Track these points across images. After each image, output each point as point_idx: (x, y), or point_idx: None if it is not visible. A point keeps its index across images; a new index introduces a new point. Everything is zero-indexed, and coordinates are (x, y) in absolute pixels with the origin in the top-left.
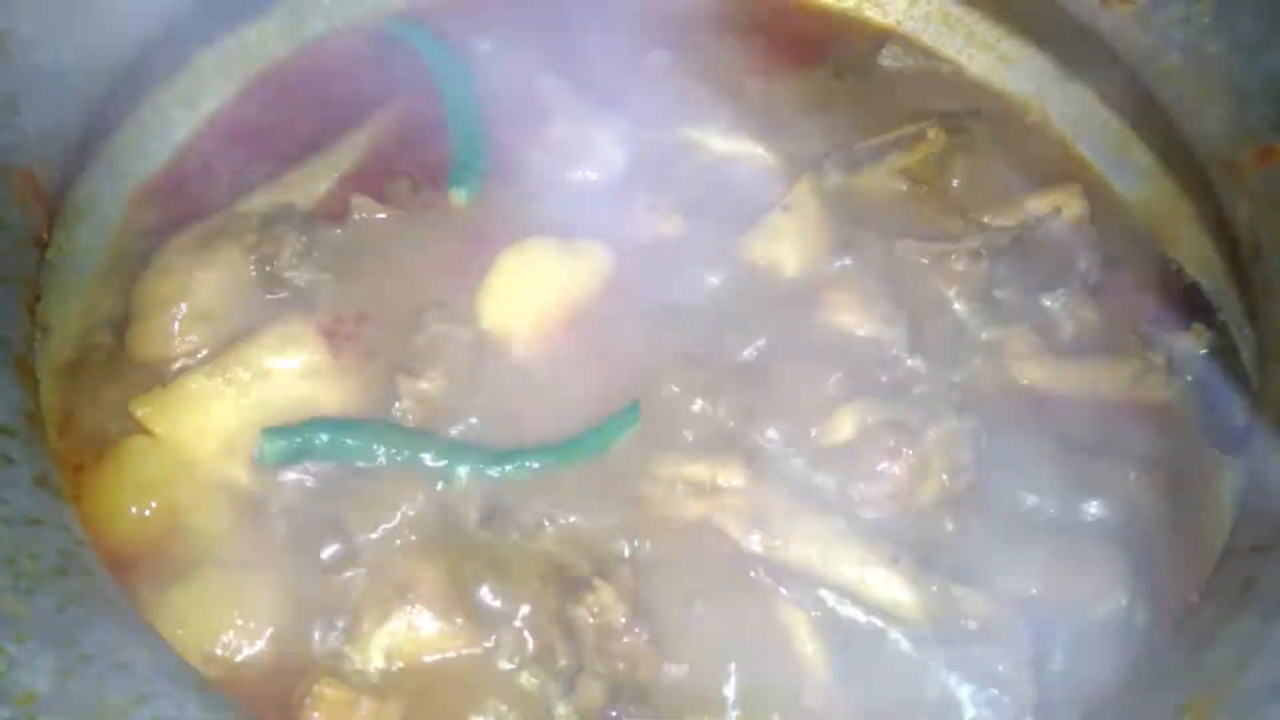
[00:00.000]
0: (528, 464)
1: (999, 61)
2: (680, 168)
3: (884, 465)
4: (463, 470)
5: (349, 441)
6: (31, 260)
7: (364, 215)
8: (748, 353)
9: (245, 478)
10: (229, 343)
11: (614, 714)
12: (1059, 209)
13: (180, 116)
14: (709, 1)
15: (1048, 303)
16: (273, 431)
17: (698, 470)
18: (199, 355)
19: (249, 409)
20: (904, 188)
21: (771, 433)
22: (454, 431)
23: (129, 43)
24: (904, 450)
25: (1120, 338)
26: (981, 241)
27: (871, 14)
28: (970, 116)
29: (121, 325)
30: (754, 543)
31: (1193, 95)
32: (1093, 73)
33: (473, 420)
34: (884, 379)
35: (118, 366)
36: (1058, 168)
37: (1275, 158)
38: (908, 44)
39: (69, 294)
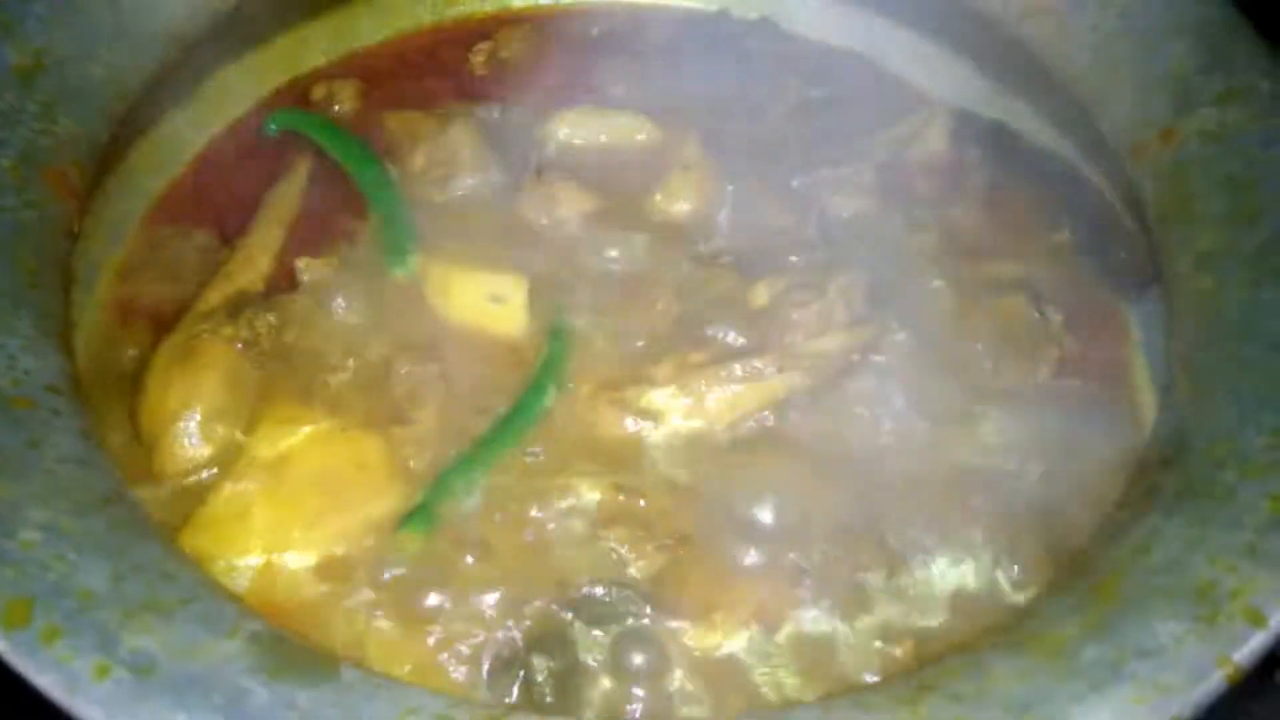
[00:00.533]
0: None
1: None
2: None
3: (796, 316)
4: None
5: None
6: (66, 247)
7: (312, 276)
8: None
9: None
10: (246, 433)
11: None
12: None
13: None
14: None
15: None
16: (410, 522)
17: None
18: (226, 457)
19: (287, 496)
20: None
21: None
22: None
23: (151, 61)
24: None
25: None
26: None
27: None
28: None
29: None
30: None
31: (1104, 88)
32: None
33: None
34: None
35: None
36: None
37: (1175, 137)
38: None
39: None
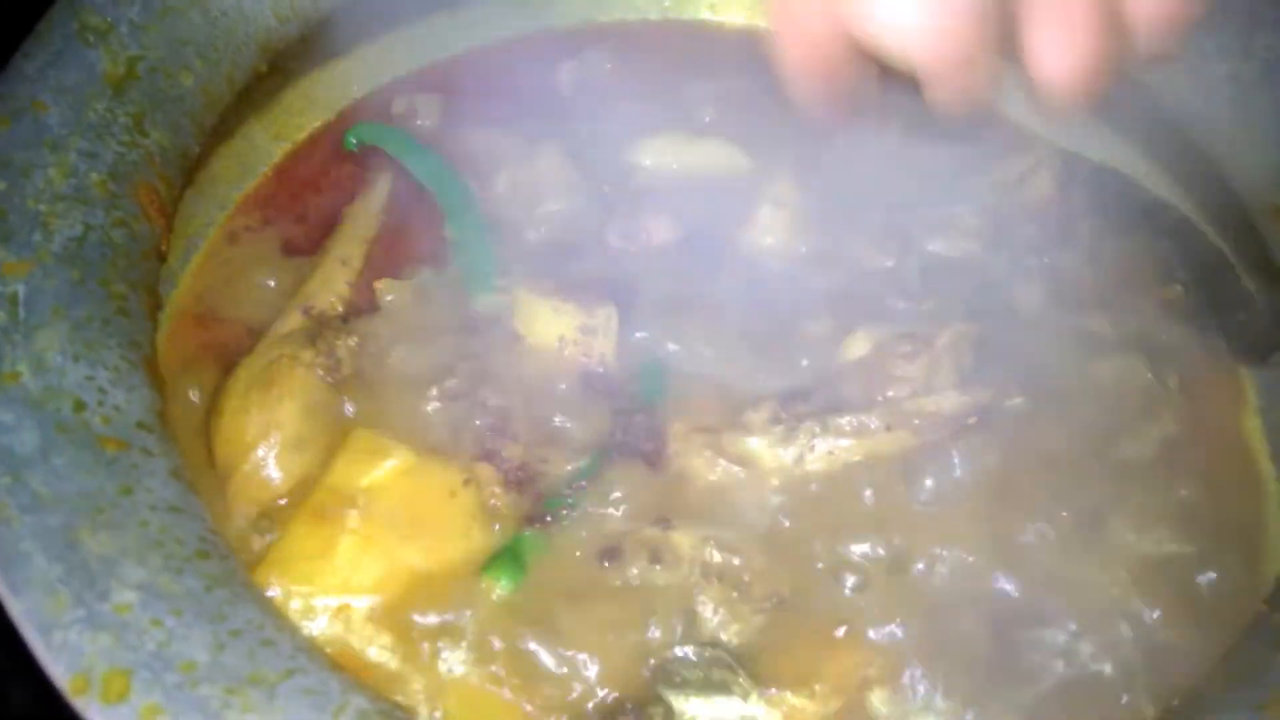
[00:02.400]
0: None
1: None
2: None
3: (900, 370)
4: None
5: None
6: (154, 270)
7: (393, 299)
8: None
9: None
10: (324, 464)
11: None
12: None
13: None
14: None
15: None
16: (496, 566)
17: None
18: (304, 488)
19: (368, 533)
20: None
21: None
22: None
23: (242, 70)
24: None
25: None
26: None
27: None
28: None
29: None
30: None
31: (1241, 146)
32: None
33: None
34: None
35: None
36: None
37: None
38: None
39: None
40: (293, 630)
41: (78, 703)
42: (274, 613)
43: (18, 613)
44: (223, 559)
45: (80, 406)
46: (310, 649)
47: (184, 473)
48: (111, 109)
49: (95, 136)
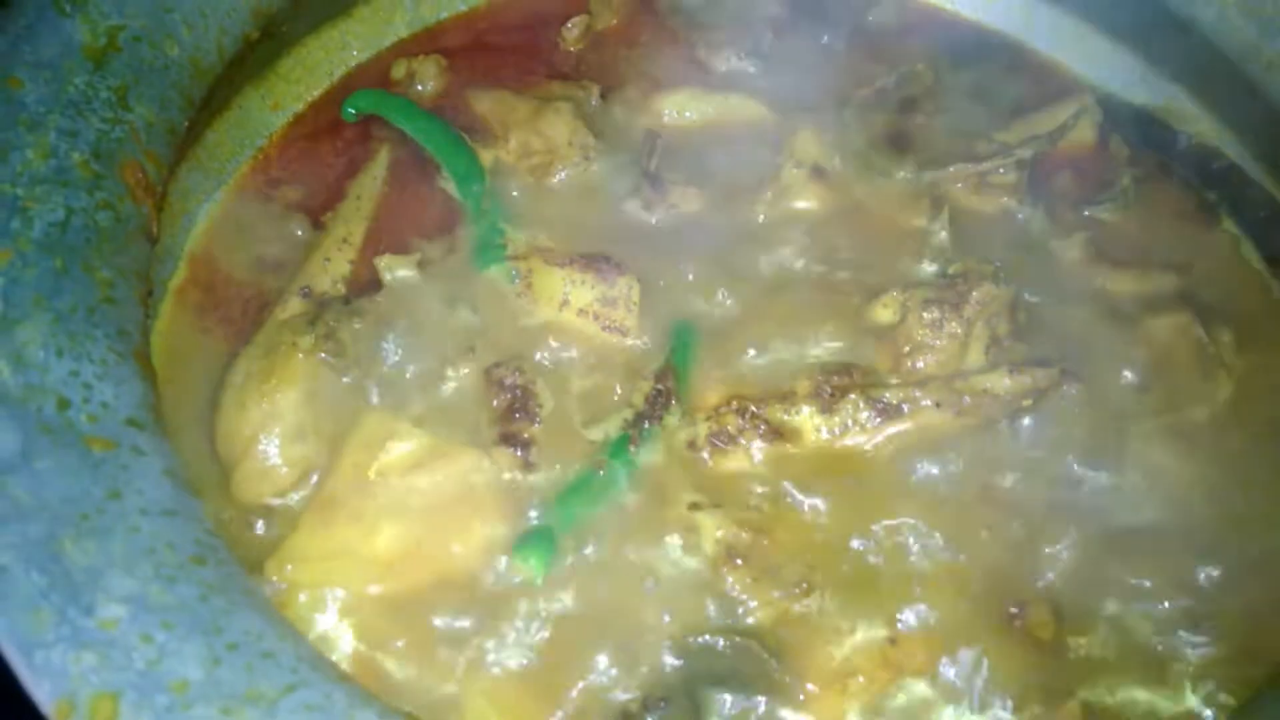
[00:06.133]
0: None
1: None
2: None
3: (928, 335)
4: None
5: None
6: (144, 254)
7: (396, 276)
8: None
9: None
10: (332, 452)
11: None
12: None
13: (266, 118)
14: None
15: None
16: (526, 547)
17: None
18: (311, 478)
19: (380, 523)
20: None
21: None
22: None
23: (231, 38)
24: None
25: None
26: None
27: None
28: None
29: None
30: None
31: None
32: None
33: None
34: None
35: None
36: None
37: None
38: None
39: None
40: (295, 639)
41: None
42: (276, 620)
43: None
44: (221, 563)
45: (64, 404)
46: (314, 659)
47: (179, 471)
48: (92, 83)
49: (75, 113)
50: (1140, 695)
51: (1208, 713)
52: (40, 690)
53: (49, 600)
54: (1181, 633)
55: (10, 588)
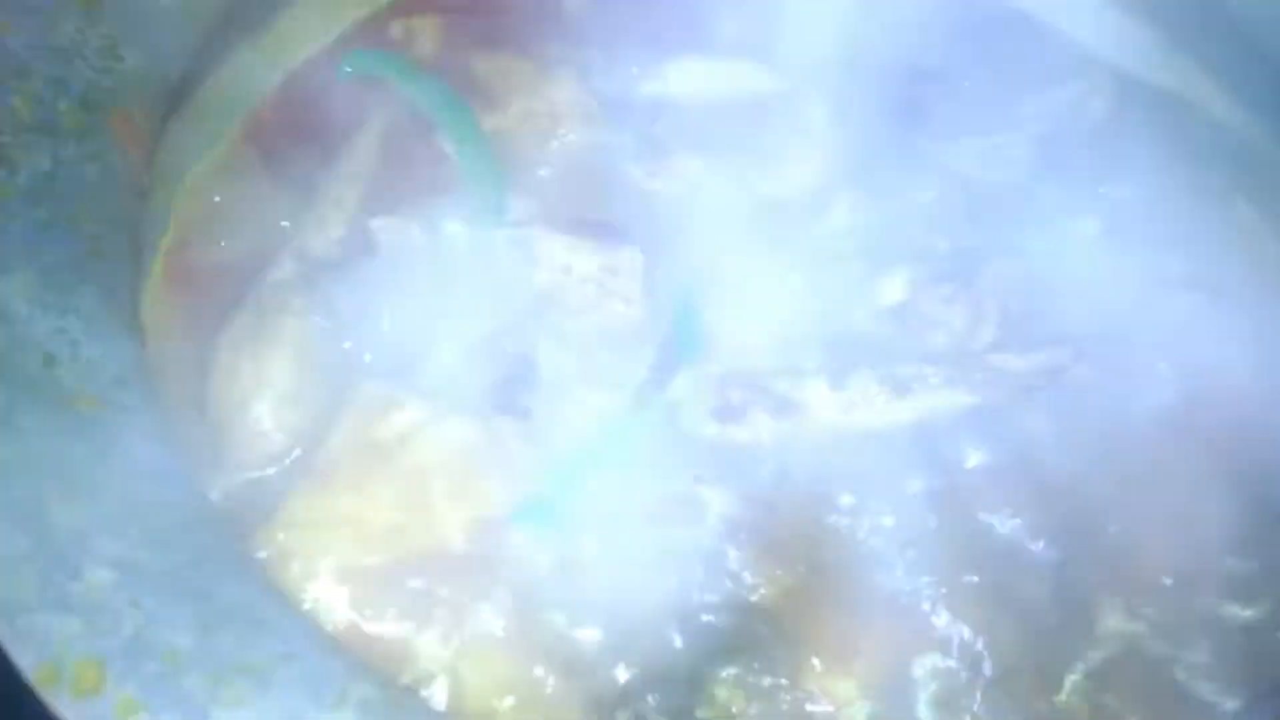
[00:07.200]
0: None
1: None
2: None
3: (936, 311)
4: None
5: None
6: (134, 208)
7: (390, 239)
8: None
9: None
10: (327, 418)
11: None
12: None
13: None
14: None
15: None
16: (528, 516)
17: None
18: (304, 444)
19: (377, 492)
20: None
21: None
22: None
23: None
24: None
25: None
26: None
27: None
28: None
29: None
30: None
31: None
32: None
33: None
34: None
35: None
36: None
37: None
38: None
39: None
40: (289, 607)
41: (46, 695)
42: (269, 587)
43: None
44: (212, 529)
45: (49, 361)
46: (308, 628)
47: (169, 433)
48: (82, 30)
49: (64, 61)
50: None
51: None
52: (23, 657)
53: (33, 563)
54: None
55: None
